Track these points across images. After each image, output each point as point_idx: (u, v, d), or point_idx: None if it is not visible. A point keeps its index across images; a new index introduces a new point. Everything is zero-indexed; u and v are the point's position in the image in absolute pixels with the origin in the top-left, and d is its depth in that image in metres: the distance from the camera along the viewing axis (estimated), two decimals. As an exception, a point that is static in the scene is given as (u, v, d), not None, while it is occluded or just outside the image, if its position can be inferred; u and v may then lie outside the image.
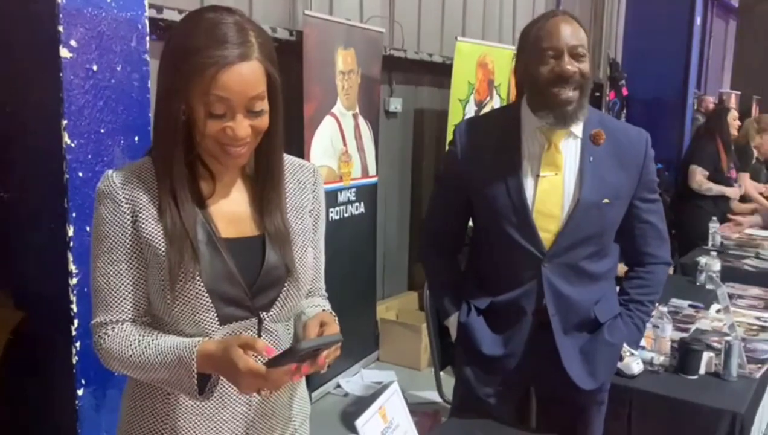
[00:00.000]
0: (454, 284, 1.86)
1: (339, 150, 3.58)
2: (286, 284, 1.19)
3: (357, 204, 3.78)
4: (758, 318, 2.72)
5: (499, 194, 1.69)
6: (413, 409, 3.65)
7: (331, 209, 3.56)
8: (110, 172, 1.14)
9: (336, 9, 3.79)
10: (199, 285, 1.10)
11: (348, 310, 3.79)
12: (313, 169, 1.30)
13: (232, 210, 1.18)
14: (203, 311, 1.12)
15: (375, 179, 3.94)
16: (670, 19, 6.77)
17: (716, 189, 4.64)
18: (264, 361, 1.04)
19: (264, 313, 1.18)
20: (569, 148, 1.70)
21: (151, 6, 2.69)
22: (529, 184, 1.69)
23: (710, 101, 8.76)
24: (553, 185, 1.68)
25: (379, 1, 4.18)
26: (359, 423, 1.18)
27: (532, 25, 1.69)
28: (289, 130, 3.45)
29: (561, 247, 1.68)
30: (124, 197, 1.11)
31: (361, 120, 3.75)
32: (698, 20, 6.94)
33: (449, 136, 4.24)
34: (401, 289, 4.64)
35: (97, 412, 1.90)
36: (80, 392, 1.88)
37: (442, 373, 2.87)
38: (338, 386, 3.73)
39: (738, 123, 4.70)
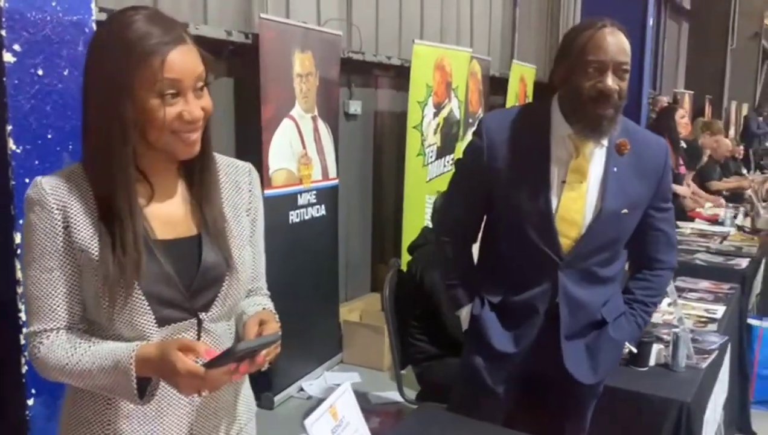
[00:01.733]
0: (467, 275, 1.88)
1: (298, 153, 3.57)
2: (225, 283, 1.20)
3: (318, 206, 3.78)
4: (707, 310, 2.80)
5: (525, 197, 1.70)
6: (377, 410, 3.67)
7: (291, 212, 3.55)
8: (39, 178, 1.13)
9: (293, 12, 3.79)
10: (137, 289, 1.10)
11: (310, 312, 3.80)
12: (249, 169, 1.31)
13: (167, 212, 1.18)
14: (140, 314, 1.12)
15: (336, 181, 3.94)
16: (623, 20, 6.84)
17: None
18: (203, 363, 1.05)
19: (203, 314, 1.18)
20: (595, 156, 1.71)
21: (101, 9, 2.66)
22: (555, 190, 1.70)
23: (664, 101, 8.98)
24: (578, 193, 1.70)
25: (336, 4, 4.19)
26: (308, 422, 1.18)
27: (579, 32, 1.65)
28: (247, 133, 3.44)
29: (579, 254, 1.72)
30: (54, 203, 1.10)
31: (320, 122, 3.76)
32: (651, 21, 7.11)
33: (409, 138, 4.31)
34: (364, 290, 4.65)
35: (49, 422, 1.87)
36: (30, 402, 1.84)
37: (402, 372, 2.90)
38: (301, 389, 3.72)
39: (685, 121, 4.83)
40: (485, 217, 1.86)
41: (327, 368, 4.00)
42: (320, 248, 3.85)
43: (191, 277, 1.17)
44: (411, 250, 2.93)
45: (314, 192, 3.72)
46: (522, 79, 5.97)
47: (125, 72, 1.05)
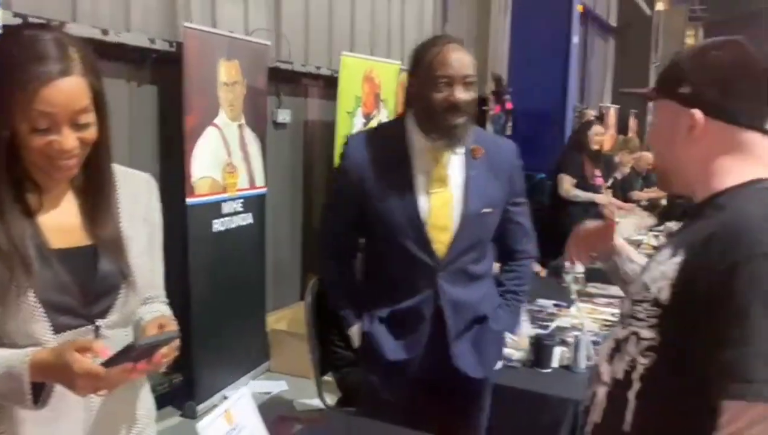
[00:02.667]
0: (353, 293, 1.97)
1: (223, 161, 3.57)
2: (121, 291, 1.22)
3: (244, 215, 3.78)
4: (614, 314, 2.96)
5: (396, 211, 1.80)
6: (301, 416, 3.67)
7: (215, 220, 3.54)
8: None
9: (219, 21, 3.80)
10: (31, 297, 1.11)
11: (236, 321, 3.79)
12: (147, 179, 1.35)
13: (62, 221, 1.20)
14: (36, 322, 1.13)
15: (263, 190, 3.95)
16: (549, 37, 7.22)
17: (583, 195, 5.00)
18: (100, 362, 1.07)
19: (100, 321, 1.20)
20: (454, 164, 1.84)
21: (15, 14, 2.62)
22: (422, 200, 1.81)
23: (591, 114, 9.35)
24: (444, 200, 1.82)
25: (264, 14, 4.22)
26: (200, 426, 1.21)
27: (425, 50, 1.79)
28: (170, 141, 3.42)
29: (453, 256, 1.83)
30: None
31: (247, 131, 3.77)
32: (575, 39, 7.43)
33: (338, 148, 4.34)
34: (293, 299, 4.66)
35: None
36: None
37: (329, 378, 2.94)
38: (225, 398, 3.70)
39: (598, 138, 5.10)
40: (365, 235, 1.96)
41: (253, 377, 3.99)
42: (246, 257, 3.85)
43: (88, 285, 1.19)
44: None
45: (240, 200, 3.72)
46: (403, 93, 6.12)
47: (4, 92, 1.07)
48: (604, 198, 5.22)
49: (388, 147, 1.84)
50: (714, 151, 1.13)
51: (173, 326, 1.24)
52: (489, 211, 1.86)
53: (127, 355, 1.07)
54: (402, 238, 1.81)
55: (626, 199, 6.52)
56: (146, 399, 1.37)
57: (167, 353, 1.16)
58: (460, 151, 1.83)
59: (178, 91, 3.27)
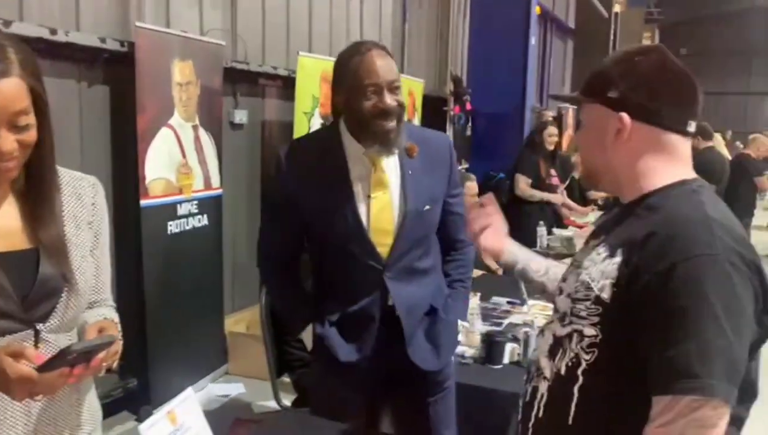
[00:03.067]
0: (299, 300, 1.95)
1: (177, 162, 3.54)
2: (64, 295, 1.21)
3: (200, 216, 3.75)
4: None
5: (337, 218, 1.79)
6: (258, 418, 3.65)
7: (171, 222, 3.51)
8: None
9: (173, 21, 3.76)
10: None
11: (194, 324, 3.75)
12: (93, 183, 1.34)
13: (2, 224, 1.18)
14: None
15: (219, 191, 3.92)
16: (508, 38, 7.30)
17: (539, 195, 5.09)
18: (35, 366, 1.06)
19: (41, 325, 1.19)
20: (390, 166, 1.84)
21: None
22: (362, 205, 1.80)
23: (549, 115, 9.50)
24: (384, 203, 1.82)
25: (220, 14, 4.18)
26: (143, 427, 1.21)
27: (348, 58, 1.76)
28: (123, 142, 3.38)
29: (397, 256, 1.83)
30: None
31: (201, 131, 3.73)
32: (533, 40, 7.53)
33: (295, 148, 4.34)
34: (252, 301, 4.62)
35: None
36: None
37: (287, 380, 2.93)
38: (183, 402, 3.66)
39: (553, 139, 5.20)
40: (308, 242, 1.93)
41: (212, 380, 3.96)
42: (203, 259, 3.82)
43: (27, 289, 1.17)
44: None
45: (195, 202, 3.69)
46: (411, 93, 6.15)
47: None
48: (559, 198, 5.32)
49: (323, 155, 1.82)
50: (641, 153, 1.18)
51: (113, 330, 1.24)
52: (429, 207, 1.86)
53: (62, 359, 1.07)
54: (344, 244, 1.80)
55: (584, 198, 6.65)
56: (91, 403, 1.35)
57: (106, 357, 1.15)
58: (396, 151, 1.82)
59: (131, 91, 3.23)
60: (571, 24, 12.92)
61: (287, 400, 2.89)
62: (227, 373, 4.09)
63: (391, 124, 1.74)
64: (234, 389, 3.89)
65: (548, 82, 11.56)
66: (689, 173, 1.18)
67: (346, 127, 1.81)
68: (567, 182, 5.84)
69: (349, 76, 1.73)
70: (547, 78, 11.54)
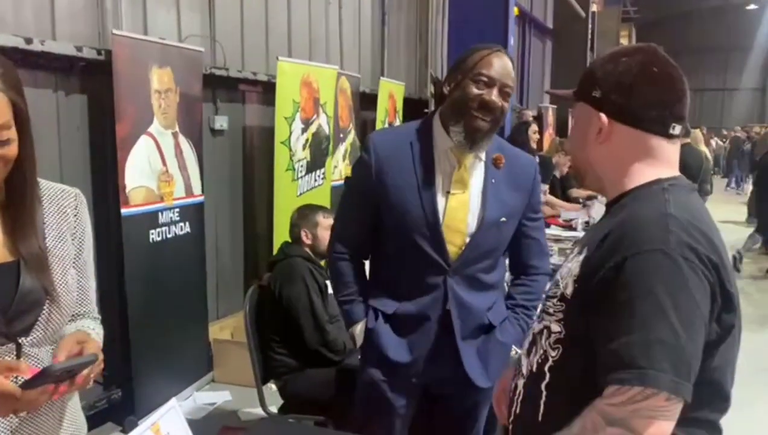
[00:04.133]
0: (361, 291, 1.94)
1: (158, 170, 3.51)
2: (45, 308, 1.20)
3: (182, 224, 3.72)
4: (549, 309, 3.04)
5: (413, 208, 1.80)
6: (244, 426, 3.64)
7: (152, 230, 3.48)
8: None
9: (151, 28, 3.73)
10: None
11: (178, 332, 3.72)
12: (75, 194, 1.33)
13: None
14: None
15: (201, 198, 3.90)
16: (487, 39, 7.30)
17: None
18: (21, 383, 1.06)
19: (23, 338, 1.18)
20: (475, 169, 1.84)
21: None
22: (440, 200, 1.81)
23: (530, 115, 9.56)
24: (461, 202, 1.82)
25: (199, 20, 4.16)
26: (127, 440, 1.20)
27: (476, 51, 1.80)
28: (102, 151, 3.35)
29: (465, 260, 1.83)
30: None
31: (181, 138, 3.71)
32: (512, 40, 7.57)
33: (277, 153, 4.34)
34: (237, 307, 4.61)
35: None
36: None
37: (273, 387, 2.92)
38: (169, 412, 3.63)
39: (537, 136, 5.23)
40: (378, 235, 1.92)
41: (197, 388, 3.93)
42: (185, 267, 3.79)
43: (8, 302, 1.16)
44: (271, 265, 2.97)
45: (177, 209, 3.66)
46: (391, 96, 6.17)
47: None
48: (541, 197, 5.37)
49: (412, 145, 1.84)
50: (622, 154, 1.18)
51: (93, 343, 1.23)
52: (505, 220, 1.86)
53: (45, 377, 1.07)
54: (416, 235, 1.80)
55: (566, 197, 6.70)
56: (75, 416, 1.34)
57: (88, 374, 1.15)
58: (482, 157, 1.84)
59: (109, 99, 3.20)
60: (550, 24, 13.03)
61: (274, 407, 2.88)
62: (213, 381, 4.07)
63: (486, 122, 1.75)
64: (220, 397, 3.86)
65: (528, 81, 11.64)
66: (668, 172, 1.18)
67: (441, 118, 1.83)
68: (549, 182, 5.88)
69: (469, 64, 1.77)
70: (527, 78, 11.62)
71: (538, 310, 1.27)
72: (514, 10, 7.90)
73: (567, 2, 12.70)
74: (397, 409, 1.90)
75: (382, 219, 1.86)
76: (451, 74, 1.84)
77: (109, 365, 3.35)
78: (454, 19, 7.62)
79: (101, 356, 1.21)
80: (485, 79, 1.74)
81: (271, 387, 2.96)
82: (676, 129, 1.17)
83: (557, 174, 6.76)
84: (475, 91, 1.74)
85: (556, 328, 1.16)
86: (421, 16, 7.55)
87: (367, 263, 2.02)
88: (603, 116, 1.17)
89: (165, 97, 3.54)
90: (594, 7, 14.57)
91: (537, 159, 5.40)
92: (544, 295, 1.24)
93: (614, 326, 1.03)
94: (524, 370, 1.24)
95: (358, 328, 1.91)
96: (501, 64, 1.76)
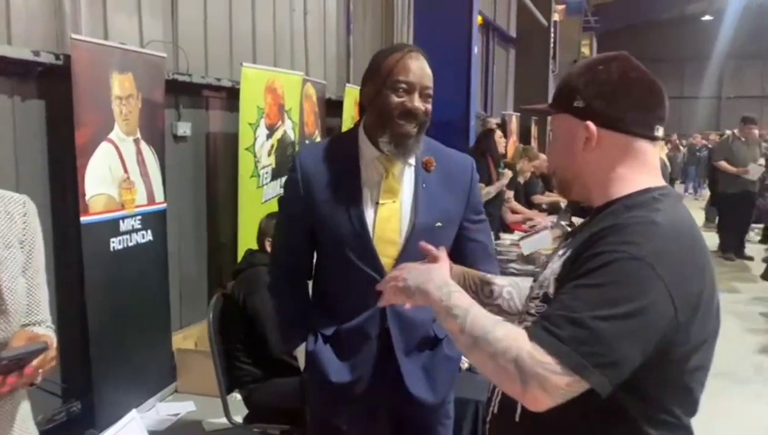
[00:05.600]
0: (303, 314, 1.86)
1: (119, 177, 3.45)
2: None
3: (143, 232, 3.66)
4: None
5: (341, 222, 1.73)
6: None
7: (113, 239, 3.41)
8: None
9: (111, 33, 3.67)
10: None
11: (140, 342, 3.65)
12: (24, 201, 1.30)
13: None
14: None
15: (163, 205, 3.84)
16: (451, 48, 7.37)
17: (494, 189, 5.16)
18: None
19: None
20: (404, 176, 1.78)
21: None
22: (369, 211, 1.74)
23: (493, 123, 9.67)
24: (392, 212, 1.75)
25: (161, 25, 4.11)
26: (85, 453, 1.17)
27: (388, 53, 1.74)
28: (61, 158, 3.27)
29: None
30: None
31: (144, 145, 3.65)
32: (476, 49, 7.64)
33: (241, 160, 4.30)
34: (200, 316, 4.54)
35: None
36: None
37: (238, 396, 2.89)
38: (130, 424, 3.56)
39: (503, 140, 5.28)
40: (316, 252, 1.87)
41: (160, 399, 3.86)
42: (148, 275, 3.73)
43: None
44: (235, 273, 2.94)
45: (139, 217, 3.60)
46: (357, 103, 6.17)
47: None
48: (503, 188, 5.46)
49: (339, 159, 1.78)
50: (609, 160, 1.20)
51: (44, 336, 1.21)
52: (442, 225, 1.78)
53: None
54: (347, 251, 1.73)
55: (529, 203, 6.79)
56: (25, 426, 1.30)
57: (39, 365, 1.13)
58: (412, 163, 1.77)
59: (68, 105, 3.13)
60: (513, 33, 13.19)
61: (239, 417, 2.84)
62: (176, 392, 4.00)
63: (412, 128, 1.70)
64: (183, 407, 3.80)
65: (492, 90, 11.77)
66: (656, 181, 1.20)
67: (365, 129, 1.77)
68: (513, 188, 5.95)
69: (385, 70, 1.70)
70: (491, 86, 11.75)
71: (521, 311, 1.27)
72: (478, 19, 7.99)
73: (529, 12, 12.89)
74: (347, 433, 1.83)
75: (316, 236, 1.81)
76: (367, 83, 1.77)
77: (68, 376, 3.30)
78: (419, 27, 7.66)
79: (54, 346, 1.19)
80: (404, 85, 1.68)
81: (236, 396, 2.92)
82: (659, 130, 1.20)
83: (521, 180, 6.84)
84: (395, 99, 1.68)
85: None
86: (386, 25, 7.58)
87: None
88: (590, 124, 1.18)
89: (126, 103, 3.48)
90: (556, 17, 14.81)
91: (503, 165, 5.48)
92: (528, 298, 1.24)
93: (562, 300, 1.07)
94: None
95: (300, 351, 1.86)
96: (418, 66, 1.70)
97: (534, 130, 12.49)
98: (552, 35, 14.26)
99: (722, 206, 8.51)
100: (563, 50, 15.40)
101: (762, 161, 8.24)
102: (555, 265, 1.18)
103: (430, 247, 1.47)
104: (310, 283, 1.93)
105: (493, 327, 1.08)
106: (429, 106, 1.73)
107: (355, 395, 1.78)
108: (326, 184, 1.76)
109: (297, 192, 1.78)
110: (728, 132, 8.98)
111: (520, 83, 13.62)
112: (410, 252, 1.73)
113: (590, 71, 1.21)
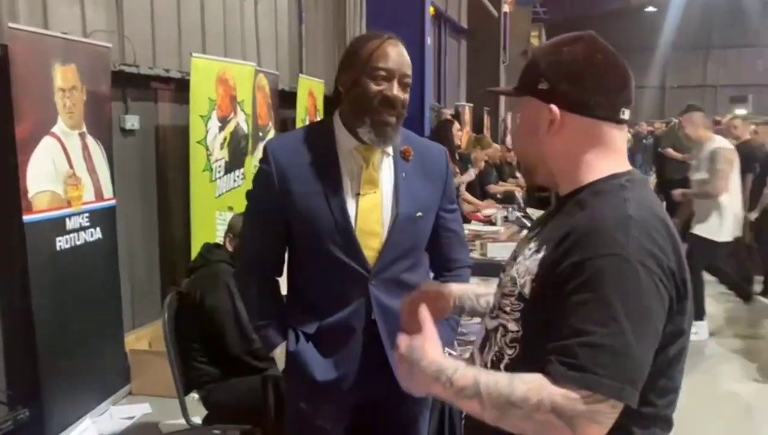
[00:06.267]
0: (278, 312, 1.79)
1: (64, 173, 3.30)
2: None
3: (92, 230, 3.51)
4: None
5: (322, 215, 1.67)
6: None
7: (59, 238, 3.26)
8: None
9: (52, 22, 3.50)
10: None
11: (91, 344, 3.52)
12: None
13: None
14: None
15: (112, 202, 3.70)
16: (404, 38, 7.35)
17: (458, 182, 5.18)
18: None
19: None
20: (384, 166, 1.73)
21: None
22: (350, 202, 1.69)
23: (448, 113, 9.69)
24: (374, 203, 1.71)
25: (105, 15, 3.95)
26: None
27: (366, 40, 1.69)
28: (0, 154, 3.10)
29: (384, 263, 1.71)
30: None
31: (90, 139, 3.51)
32: (428, 40, 7.65)
33: (193, 153, 4.18)
34: (154, 316, 4.41)
35: None
36: None
37: (196, 396, 2.80)
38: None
39: (461, 133, 5.29)
40: (289, 246, 1.80)
41: (113, 402, 3.73)
42: (97, 275, 3.59)
43: None
44: (190, 271, 2.85)
45: (86, 214, 3.46)
46: (311, 94, 6.09)
47: None
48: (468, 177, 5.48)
49: (313, 149, 1.71)
50: (574, 144, 1.16)
51: None
52: (422, 214, 1.76)
53: None
54: (329, 244, 1.68)
55: (484, 193, 6.83)
56: None
57: None
58: (390, 152, 1.73)
59: (6, 98, 2.97)
60: (464, 24, 13.25)
61: (197, 417, 2.76)
62: (130, 394, 3.87)
63: (392, 117, 1.65)
64: (139, 410, 3.68)
65: (444, 80, 11.81)
66: (622, 165, 1.17)
67: (342, 119, 1.71)
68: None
69: (363, 57, 1.64)
70: (443, 77, 11.78)
71: (492, 304, 1.23)
72: (430, 10, 7.99)
73: (480, 3, 12.96)
74: (330, 433, 1.79)
75: (291, 231, 1.74)
76: (344, 71, 1.71)
77: (14, 383, 3.15)
78: (371, 18, 7.61)
79: None
80: (383, 73, 1.63)
81: (194, 396, 2.84)
82: (626, 113, 1.16)
83: (475, 171, 6.89)
84: (374, 88, 1.64)
85: (513, 326, 1.14)
86: (339, 15, 7.50)
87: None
88: (554, 108, 1.14)
89: (70, 95, 3.33)
90: (506, 8, 14.95)
91: (457, 156, 5.50)
92: (500, 291, 1.19)
93: (568, 326, 1.01)
94: (478, 366, 1.21)
95: (278, 352, 1.78)
96: (397, 53, 1.66)
97: (486, 120, 12.60)
98: (502, 26, 14.40)
99: (669, 192, 8.74)
100: (513, 41, 15.56)
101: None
102: (530, 264, 1.13)
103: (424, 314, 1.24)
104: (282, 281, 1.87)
105: (510, 388, 1.02)
106: (407, 97, 1.69)
107: (342, 391, 1.74)
108: (303, 177, 1.69)
109: (270, 185, 1.70)
110: (674, 120, 9.22)
111: (472, 74, 13.71)
112: (394, 242, 1.72)
113: (554, 53, 1.17)
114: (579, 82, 1.13)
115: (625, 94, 1.16)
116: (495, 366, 1.15)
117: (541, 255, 1.11)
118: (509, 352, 1.14)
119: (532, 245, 1.17)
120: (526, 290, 1.12)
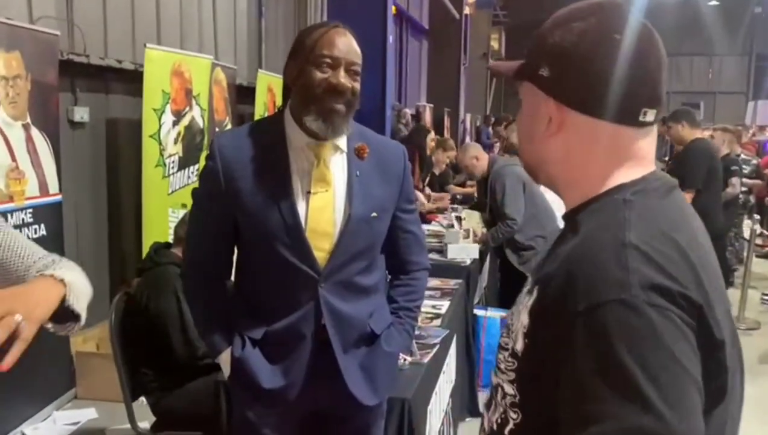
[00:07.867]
0: (225, 317, 1.70)
1: (6, 166, 3.13)
2: None
3: (35, 226, 3.34)
4: (434, 307, 3.02)
5: (271, 214, 1.59)
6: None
7: None
8: None
9: (-5, 6, 3.32)
10: None
11: (34, 346, 3.32)
12: None
13: None
14: None
15: (58, 197, 3.53)
16: (366, 37, 7.25)
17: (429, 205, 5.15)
18: None
19: None
20: (337, 163, 1.66)
21: None
22: (300, 202, 1.61)
23: (409, 113, 9.67)
24: (325, 202, 1.63)
25: (53, 0, 3.77)
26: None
27: (310, 31, 1.62)
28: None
29: (336, 265, 1.64)
30: None
31: (34, 131, 3.33)
32: (390, 39, 7.58)
33: (145, 148, 4.02)
34: (102, 317, 4.22)
35: None
36: None
37: (145, 402, 2.68)
38: (23, 435, 3.27)
39: (433, 144, 5.28)
40: (237, 249, 1.73)
41: (57, 407, 3.57)
42: (41, 273, 3.42)
43: None
44: (140, 271, 2.72)
45: (29, 210, 3.29)
46: (270, 89, 5.97)
47: None
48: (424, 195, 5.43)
49: (262, 145, 1.63)
50: (577, 150, 0.89)
51: None
52: (377, 215, 1.67)
53: None
54: (278, 245, 1.59)
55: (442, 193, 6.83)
56: None
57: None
58: (344, 148, 1.66)
59: (-58, 85, 2.80)
60: (426, 24, 13.26)
61: (146, 423, 2.64)
62: (75, 398, 3.71)
63: (339, 105, 1.57)
64: (84, 415, 3.53)
65: (406, 80, 11.79)
66: (634, 173, 0.89)
67: (291, 113, 1.63)
68: (427, 178, 5.95)
69: (308, 46, 1.58)
70: (405, 76, 11.76)
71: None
72: (392, 9, 7.93)
73: (441, 3, 12.98)
74: None
75: (239, 230, 1.66)
76: (290, 62, 1.65)
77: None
78: (332, 14, 7.51)
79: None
80: (328, 60, 1.57)
81: (142, 401, 2.71)
82: (648, 115, 0.87)
83: (436, 171, 6.86)
84: (319, 75, 1.56)
85: (509, 390, 0.90)
86: (300, 11, 7.39)
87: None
88: (554, 102, 0.88)
89: (13, 84, 3.16)
90: (467, 10, 15.01)
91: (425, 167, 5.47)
92: (499, 344, 0.97)
93: (580, 409, 0.75)
94: (486, 426, 1.01)
95: (223, 358, 1.70)
96: (343, 41, 1.59)
97: (447, 121, 12.63)
98: (463, 28, 14.45)
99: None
100: (473, 44, 15.64)
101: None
102: (522, 310, 0.88)
103: None
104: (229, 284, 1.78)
105: None
106: (357, 85, 1.60)
107: (290, 400, 1.66)
108: (251, 174, 1.61)
109: (216, 184, 1.62)
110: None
111: (433, 75, 13.72)
112: (346, 244, 1.64)
113: (562, 27, 0.89)
114: (586, 71, 0.86)
115: (649, 90, 0.87)
116: (501, 430, 0.95)
117: (531, 300, 0.86)
118: (513, 416, 0.92)
119: (530, 283, 0.91)
120: (519, 347, 0.87)
